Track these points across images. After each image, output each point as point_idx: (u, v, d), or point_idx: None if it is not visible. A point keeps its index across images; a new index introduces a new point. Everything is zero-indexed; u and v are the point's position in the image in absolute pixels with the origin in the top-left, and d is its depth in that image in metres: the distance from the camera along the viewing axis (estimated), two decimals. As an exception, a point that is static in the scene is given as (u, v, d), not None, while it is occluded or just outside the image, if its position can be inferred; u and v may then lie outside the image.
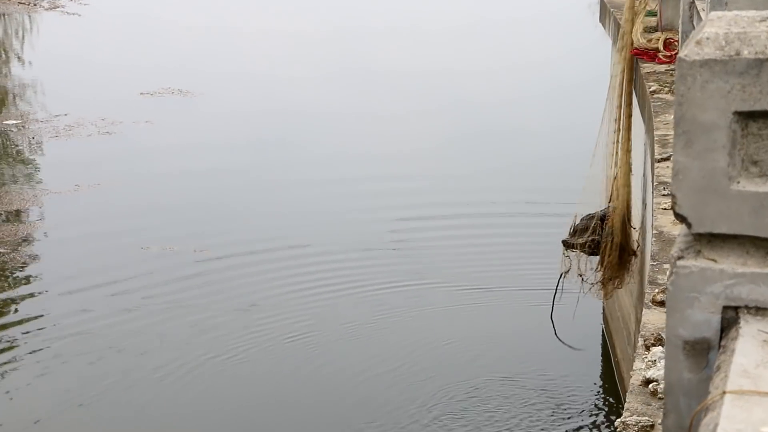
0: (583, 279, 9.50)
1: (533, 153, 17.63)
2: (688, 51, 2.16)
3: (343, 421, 9.75)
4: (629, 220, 9.10)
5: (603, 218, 9.14)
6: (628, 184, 9.06)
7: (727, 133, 2.17)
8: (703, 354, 2.24)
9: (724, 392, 1.93)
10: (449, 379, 10.45)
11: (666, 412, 2.27)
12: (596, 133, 9.87)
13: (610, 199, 9.19)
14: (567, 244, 9.38)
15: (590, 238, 9.12)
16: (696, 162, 2.19)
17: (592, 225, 9.10)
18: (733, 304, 2.21)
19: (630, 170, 9.18)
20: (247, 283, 12.61)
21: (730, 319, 2.22)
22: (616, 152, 9.14)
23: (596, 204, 9.53)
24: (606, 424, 9.82)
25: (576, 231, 9.30)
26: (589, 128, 17.10)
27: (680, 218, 2.24)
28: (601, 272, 9.30)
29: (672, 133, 8.02)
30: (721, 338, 2.22)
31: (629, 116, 9.18)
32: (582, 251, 9.32)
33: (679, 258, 2.24)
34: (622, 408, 9.57)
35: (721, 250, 2.22)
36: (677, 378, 2.26)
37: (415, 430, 9.55)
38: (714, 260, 2.21)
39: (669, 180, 7.08)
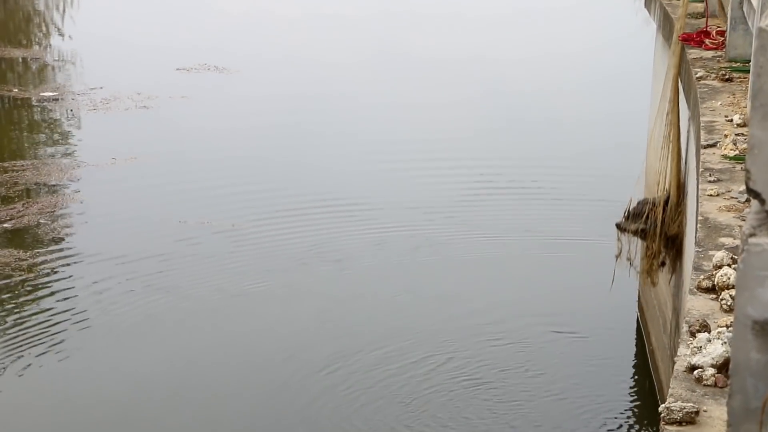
0: (631, 264, 9.43)
1: (572, 142, 17.51)
2: (768, 21, 2.09)
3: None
4: (677, 206, 8.92)
5: (655, 204, 9.02)
6: (678, 172, 8.88)
7: (806, 106, 2.09)
8: (773, 334, 2.17)
9: (800, 372, 1.87)
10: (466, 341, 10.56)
11: (732, 393, 2.21)
12: (646, 122, 9.76)
13: (659, 188, 9.06)
14: (620, 228, 9.29)
15: (641, 227, 9.03)
16: (773, 136, 2.12)
17: (646, 210, 8.99)
18: (805, 284, 2.14)
19: (680, 158, 8.98)
20: (292, 255, 12.74)
21: (802, 299, 2.15)
22: (668, 142, 8.97)
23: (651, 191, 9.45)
24: (639, 414, 9.75)
25: (630, 215, 9.20)
26: (628, 117, 17.05)
27: (753, 194, 2.17)
28: (646, 260, 9.20)
29: (718, 120, 7.90)
30: (792, 319, 2.15)
31: (677, 105, 9.02)
32: (634, 235, 9.23)
33: (751, 235, 2.17)
34: (657, 396, 9.52)
35: (795, 228, 2.15)
36: (744, 358, 2.20)
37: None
38: (788, 238, 2.14)
39: (715, 167, 6.99)
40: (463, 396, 9.85)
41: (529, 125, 18.51)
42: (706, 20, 10.20)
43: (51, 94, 19.82)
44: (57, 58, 23.42)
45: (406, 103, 19.74)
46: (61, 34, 26.22)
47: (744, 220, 6.12)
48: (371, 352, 10.56)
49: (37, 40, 25.77)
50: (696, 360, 4.56)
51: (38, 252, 12.68)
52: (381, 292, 11.96)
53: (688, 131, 8.83)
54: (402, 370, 10.25)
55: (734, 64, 9.16)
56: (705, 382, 4.43)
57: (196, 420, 9.51)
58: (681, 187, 8.86)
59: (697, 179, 7.02)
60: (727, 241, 5.82)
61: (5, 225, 13.32)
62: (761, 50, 2.11)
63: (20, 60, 22.75)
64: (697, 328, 4.89)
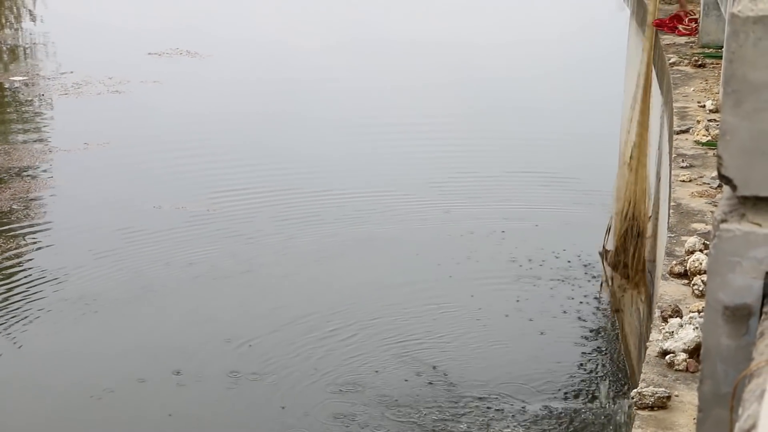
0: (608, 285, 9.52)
1: (545, 128, 17.53)
2: (741, 6, 2.09)
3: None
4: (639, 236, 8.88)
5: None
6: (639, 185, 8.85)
7: (778, 93, 2.10)
8: (744, 320, 2.18)
9: (770, 358, 1.88)
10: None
11: (703, 379, 2.22)
12: (620, 108, 9.80)
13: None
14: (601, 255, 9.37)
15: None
16: (744, 122, 2.13)
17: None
18: (776, 269, 2.15)
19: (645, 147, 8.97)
20: (265, 238, 12.78)
21: (772, 285, 2.16)
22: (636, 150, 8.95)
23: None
24: (611, 397, 9.80)
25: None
26: (602, 103, 17.10)
27: (725, 180, 2.18)
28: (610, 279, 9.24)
29: (691, 105, 7.93)
30: (762, 304, 2.16)
31: (647, 117, 8.98)
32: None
33: (723, 221, 2.18)
34: (629, 382, 9.56)
35: (766, 214, 2.16)
36: (715, 344, 2.21)
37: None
38: (758, 224, 2.15)
39: (688, 152, 7.02)
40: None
41: (502, 110, 18.52)
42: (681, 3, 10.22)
43: (21, 78, 19.65)
44: (28, 42, 23.21)
45: (381, 87, 19.72)
46: (33, 17, 25.98)
47: (716, 206, 6.17)
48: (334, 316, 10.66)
49: (7, 23, 25.51)
50: (668, 345, 4.59)
51: (10, 238, 12.59)
52: (349, 268, 12.03)
53: (662, 117, 8.86)
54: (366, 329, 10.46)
55: (707, 50, 9.20)
56: (677, 367, 4.46)
57: (154, 392, 9.52)
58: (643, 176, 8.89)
59: (670, 165, 7.05)
60: (700, 226, 5.85)
61: (-24, 210, 13.23)
62: (733, 36, 2.11)
63: (-10, 44, 22.53)
64: (669, 313, 4.92)
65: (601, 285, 9.77)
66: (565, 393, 9.73)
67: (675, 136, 7.23)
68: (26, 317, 10.86)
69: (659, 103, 8.97)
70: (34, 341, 10.44)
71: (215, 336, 10.59)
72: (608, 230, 9.22)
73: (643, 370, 4.54)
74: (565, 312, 11.23)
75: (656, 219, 8.81)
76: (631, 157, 8.77)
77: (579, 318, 11.14)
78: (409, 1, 27.98)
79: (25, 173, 14.75)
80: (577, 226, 13.19)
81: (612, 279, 9.40)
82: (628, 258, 8.86)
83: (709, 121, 7.42)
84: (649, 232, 8.90)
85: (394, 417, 9.25)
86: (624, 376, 10.02)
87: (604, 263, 9.33)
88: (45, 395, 9.57)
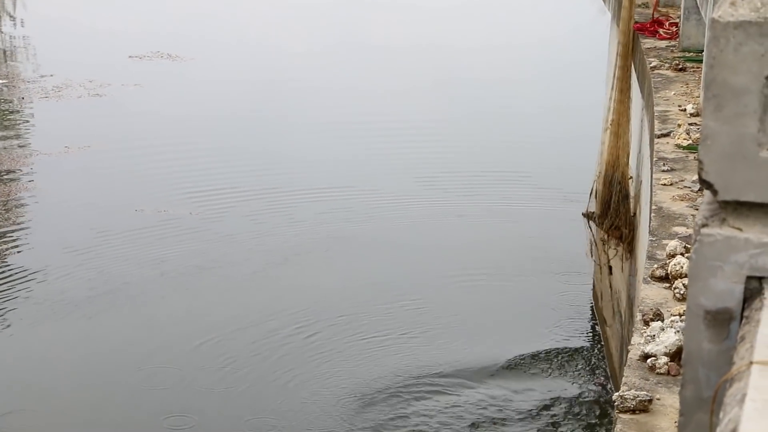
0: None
1: (528, 131, 17.57)
2: (722, 12, 2.10)
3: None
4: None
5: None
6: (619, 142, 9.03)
7: (758, 98, 2.10)
8: (725, 324, 2.19)
9: (751, 363, 1.88)
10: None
11: (684, 383, 2.22)
12: (601, 111, 9.90)
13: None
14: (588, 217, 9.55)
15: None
16: (725, 127, 2.13)
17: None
18: (757, 274, 2.15)
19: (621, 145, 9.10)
20: (247, 244, 12.70)
21: (753, 289, 2.16)
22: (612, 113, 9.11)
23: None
24: (594, 401, 9.83)
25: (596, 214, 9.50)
26: (583, 107, 17.16)
27: (706, 185, 2.18)
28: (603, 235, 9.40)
29: (672, 109, 7.95)
30: (743, 309, 2.17)
31: (627, 84, 9.11)
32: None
33: (704, 225, 2.18)
34: (611, 384, 9.59)
35: (747, 218, 2.17)
36: (697, 348, 2.21)
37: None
38: (739, 229, 2.16)
39: (669, 156, 7.04)
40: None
41: (484, 114, 18.55)
42: (654, 7, 10.26)
43: (1, 81, 19.55)
44: (7, 44, 23.10)
45: (364, 90, 19.72)
46: (12, 20, 25.86)
47: (697, 210, 6.19)
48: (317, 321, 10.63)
49: (-13, 26, 25.42)
50: (649, 348, 4.59)
51: (-11, 241, 12.53)
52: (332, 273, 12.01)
53: (642, 120, 8.89)
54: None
55: (687, 54, 9.24)
56: (658, 370, 4.46)
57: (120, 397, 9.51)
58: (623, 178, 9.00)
59: (651, 168, 7.07)
60: (681, 230, 5.87)
61: (-44, 214, 13.14)
62: (714, 41, 2.12)
63: (-30, 46, 22.44)
64: (651, 316, 4.93)
65: (590, 244, 10.08)
66: (543, 389, 9.79)
67: (656, 140, 7.25)
68: (3, 317, 10.81)
69: (640, 106, 9.01)
70: (6, 341, 10.39)
71: (199, 336, 10.57)
72: (592, 193, 9.48)
73: (624, 374, 4.55)
74: (543, 307, 11.29)
75: (639, 181, 8.96)
76: (611, 122, 8.94)
77: (558, 312, 11.20)
78: (394, 5, 27.98)
79: (5, 176, 14.67)
80: (556, 224, 13.25)
81: (601, 238, 9.66)
82: (620, 219, 9.11)
83: (690, 124, 7.44)
84: (632, 192, 9.18)
85: (365, 419, 9.25)
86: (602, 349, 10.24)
87: (590, 223, 9.63)
88: (17, 392, 9.53)
